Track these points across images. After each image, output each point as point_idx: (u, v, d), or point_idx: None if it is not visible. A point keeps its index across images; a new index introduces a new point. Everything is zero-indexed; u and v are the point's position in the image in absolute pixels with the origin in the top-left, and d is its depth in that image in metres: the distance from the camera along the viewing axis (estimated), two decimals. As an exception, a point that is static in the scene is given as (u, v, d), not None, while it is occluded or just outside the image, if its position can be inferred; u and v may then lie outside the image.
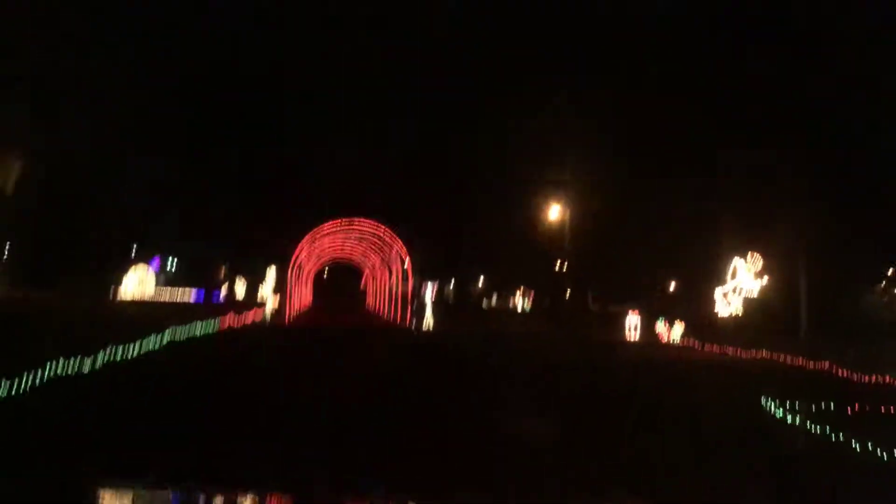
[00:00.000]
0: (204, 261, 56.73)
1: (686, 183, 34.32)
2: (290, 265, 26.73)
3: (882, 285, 29.04)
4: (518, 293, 74.87)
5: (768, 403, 10.23)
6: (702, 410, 9.82)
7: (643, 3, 45.99)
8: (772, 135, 30.69)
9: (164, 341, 13.87)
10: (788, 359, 18.42)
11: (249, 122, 54.91)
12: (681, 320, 27.29)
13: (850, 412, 10.19)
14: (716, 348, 21.99)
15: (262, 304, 30.36)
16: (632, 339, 26.47)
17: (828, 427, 8.41)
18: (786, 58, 32.63)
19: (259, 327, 24.01)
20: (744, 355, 20.34)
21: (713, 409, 10.07)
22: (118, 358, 10.85)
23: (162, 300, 40.90)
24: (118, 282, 42.24)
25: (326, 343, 19.11)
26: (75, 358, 9.46)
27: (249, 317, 25.05)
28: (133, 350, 11.54)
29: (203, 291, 46.57)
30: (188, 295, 47.09)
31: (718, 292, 25.01)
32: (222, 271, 57.90)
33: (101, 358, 10.20)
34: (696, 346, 23.15)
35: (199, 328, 18.25)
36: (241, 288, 53.48)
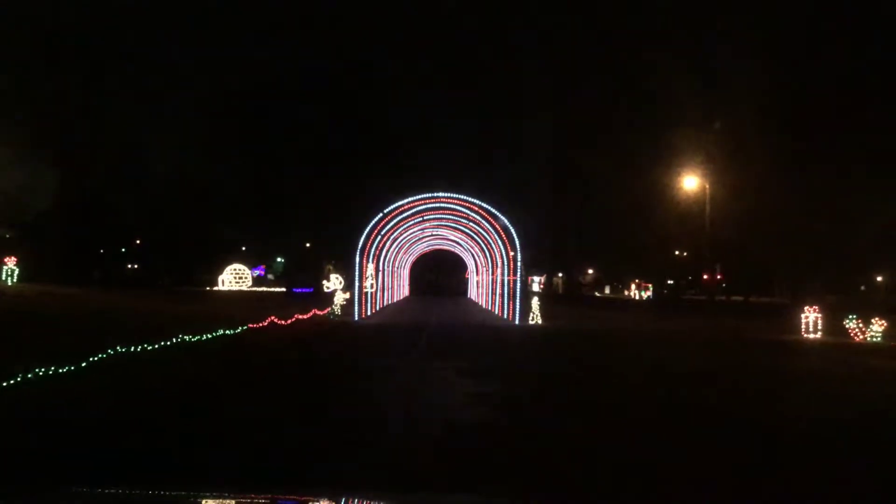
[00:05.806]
0: (305, 261, 58.05)
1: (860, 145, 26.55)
2: (361, 250, 21.67)
3: None
4: (633, 284, 66.71)
5: None
6: None
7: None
8: None
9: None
10: None
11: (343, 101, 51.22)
12: (881, 316, 19.99)
13: None
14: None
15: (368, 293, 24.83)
16: (811, 337, 19.78)
17: None
18: None
19: (316, 322, 19.25)
20: None
21: None
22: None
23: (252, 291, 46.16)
24: (213, 283, 48.24)
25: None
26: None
27: (311, 311, 20.32)
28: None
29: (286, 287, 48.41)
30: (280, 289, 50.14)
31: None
32: (326, 269, 56.42)
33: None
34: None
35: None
36: (336, 282, 51.12)
